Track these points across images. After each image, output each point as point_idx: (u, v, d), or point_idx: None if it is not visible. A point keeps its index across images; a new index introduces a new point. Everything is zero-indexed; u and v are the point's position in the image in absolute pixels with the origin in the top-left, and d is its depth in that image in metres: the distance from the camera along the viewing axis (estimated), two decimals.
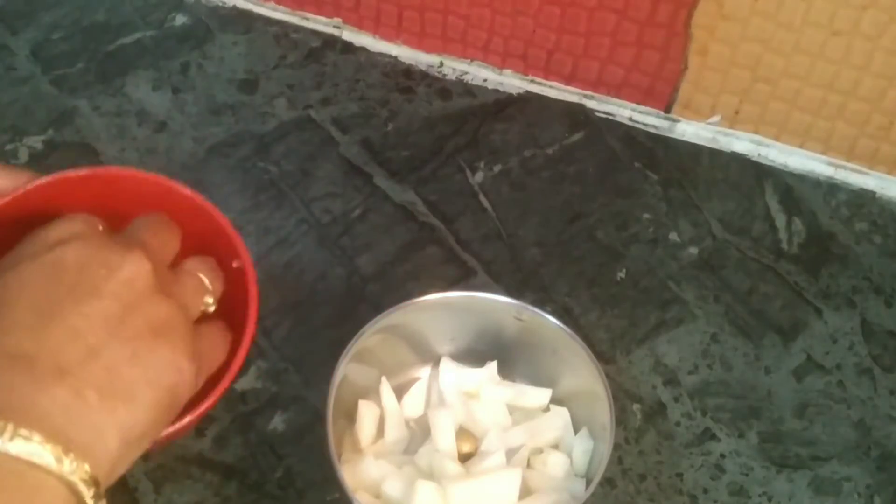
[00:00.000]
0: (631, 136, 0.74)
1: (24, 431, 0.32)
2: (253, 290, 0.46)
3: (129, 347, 0.37)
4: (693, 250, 0.68)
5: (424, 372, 0.59)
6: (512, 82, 0.77)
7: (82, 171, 0.48)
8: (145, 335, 0.38)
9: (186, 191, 0.49)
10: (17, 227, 0.46)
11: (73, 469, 0.33)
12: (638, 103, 0.75)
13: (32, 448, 0.33)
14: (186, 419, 0.42)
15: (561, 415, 0.56)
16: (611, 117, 0.75)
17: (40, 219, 0.47)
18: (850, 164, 0.72)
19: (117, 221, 0.48)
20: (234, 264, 0.48)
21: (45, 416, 0.34)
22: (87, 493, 0.34)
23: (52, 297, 0.37)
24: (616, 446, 0.57)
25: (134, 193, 0.49)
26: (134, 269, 0.39)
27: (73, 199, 0.48)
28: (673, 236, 0.69)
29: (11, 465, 0.32)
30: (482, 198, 0.70)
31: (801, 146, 0.73)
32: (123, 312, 0.38)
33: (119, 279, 0.38)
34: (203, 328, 0.42)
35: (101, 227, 0.42)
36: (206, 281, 0.44)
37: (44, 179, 0.47)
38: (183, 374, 0.39)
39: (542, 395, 0.57)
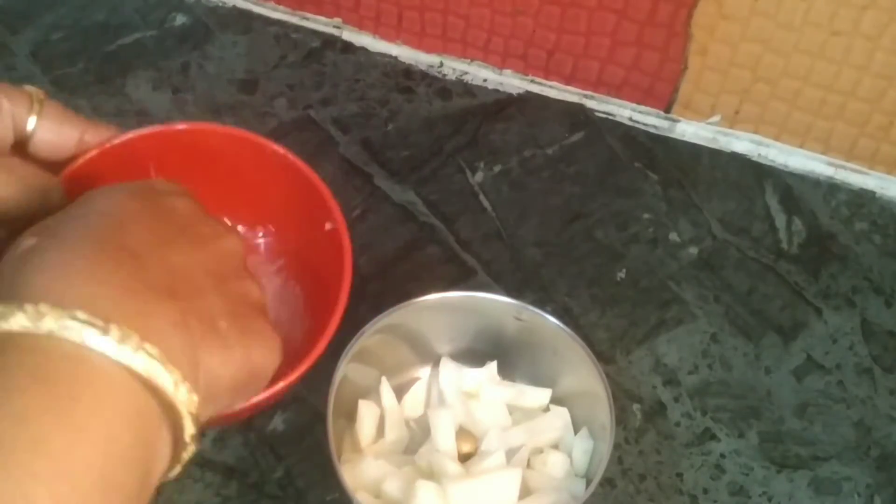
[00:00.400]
0: (631, 136, 0.74)
1: (149, 347, 0.29)
2: (347, 252, 0.45)
3: (229, 305, 0.35)
4: (693, 250, 0.68)
5: (424, 372, 0.59)
6: (512, 82, 0.77)
7: (172, 127, 0.48)
8: (244, 303, 0.36)
9: (279, 148, 0.47)
10: (103, 181, 0.46)
11: (186, 399, 0.30)
12: (638, 103, 0.75)
13: (153, 367, 0.29)
14: (281, 384, 0.40)
15: (561, 415, 0.56)
16: (611, 117, 0.75)
17: (128, 172, 0.46)
18: (850, 164, 0.72)
19: (208, 178, 0.47)
20: (327, 226, 0.46)
21: (160, 333, 0.30)
22: (190, 430, 0.31)
23: (165, 231, 0.35)
24: (616, 446, 0.57)
25: (225, 149, 0.48)
26: (235, 244, 0.38)
27: (161, 153, 0.47)
28: (673, 236, 0.69)
29: (126, 380, 0.29)
30: (482, 198, 0.70)
31: (801, 146, 0.73)
32: (225, 273, 0.36)
33: (222, 245, 0.37)
34: None
35: None
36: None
37: (131, 134, 0.47)
38: (271, 356, 0.36)
39: (542, 395, 0.57)
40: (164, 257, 0.33)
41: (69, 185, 0.43)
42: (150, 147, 0.48)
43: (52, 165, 0.44)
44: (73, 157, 0.45)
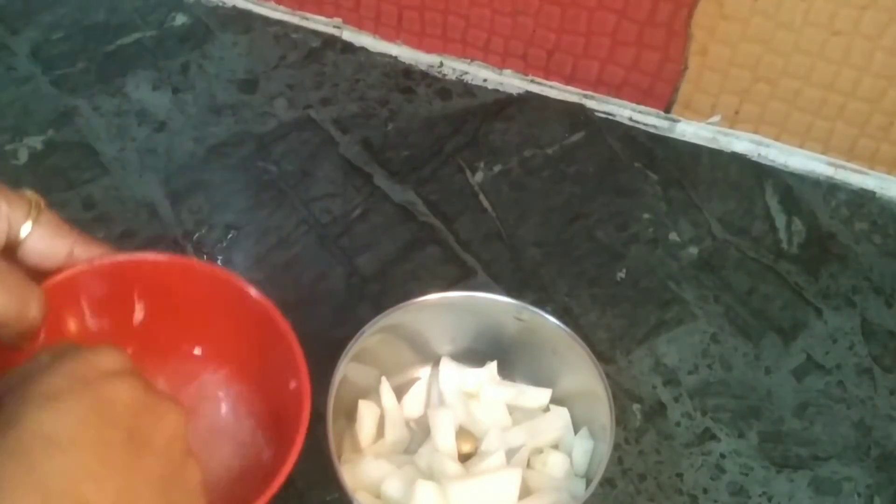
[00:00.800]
0: (631, 136, 0.74)
1: None
2: (305, 415, 0.46)
3: None
4: (693, 250, 0.68)
5: (424, 372, 0.59)
6: (512, 82, 0.77)
7: (160, 257, 0.49)
8: (193, 496, 0.36)
9: (260, 297, 0.49)
10: (85, 297, 0.47)
11: None
12: (638, 103, 0.75)
13: None
14: None
15: (561, 415, 0.56)
16: (611, 117, 0.75)
17: (112, 293, 0.47)
18: (850, 164, 0.72)
19: (187, 309, 0.49)
20: (292, 385, 0.47)
21: None
22: None
23: (111, 442, 0.34)
24: (616, 446, 0.57)
25: (209, 287, 0.49)
26: (177, 422, 0.37)
27: (147, 280, 0.49)
28: (673, 236, 0.69)
29: None
30: (482, 198, 0.70)
31: (801, 146, 0.73)
32: (175, 468, 0.36)
33: (166, 432, 0.37)
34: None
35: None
36: None
37: (120, 257, 0.48)
38: None
39: (542, 395, 0.57)
40: (113, 491, 0.33)
41: (51, 296, 0.44)
42: (137, 272, 0.49)
43: (37, 273, 0.45)
44: (59, 269, 0.46)
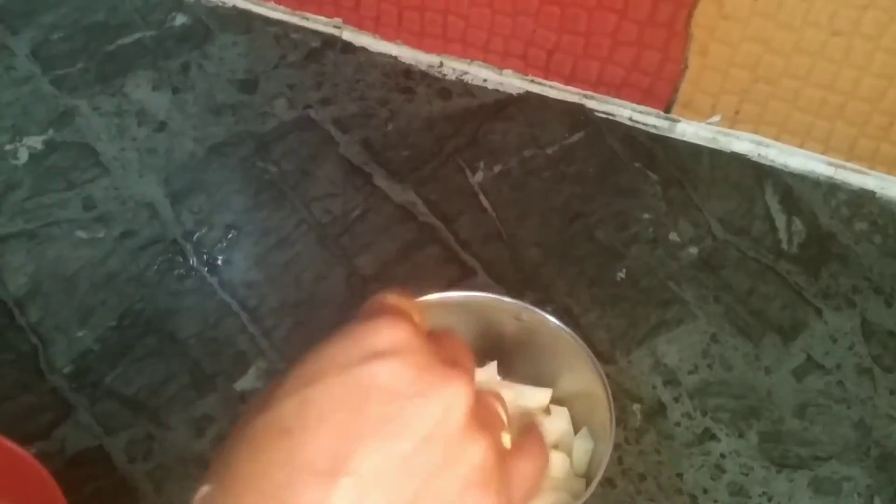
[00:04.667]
0: (631, 136, 0.74)
1: None
2: None
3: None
4: (693, 250, 0.68)
5: None
6: (512, 82, 0.77)
7: None
8: (461, 491, 0.31)
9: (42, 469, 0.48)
10: None
11: None
12: (638, 103, 0.75)
13: None
14: None
15: (561, 415, 0.56)
16: (611, 117, 0.75)
17: None
18: (850, 164, 0.72)
19: None
20: None
21: None
22: None
23: (354, 426, 0.31)
24: (616, 446, 0.57)
25: None
26: (452, 402, 0.32)
27: None
28: (673, 236, 0.69)
29: None
30: (482, 198, 0.70)
31: (801, 146, 0.73)
32: (435, 461, 0.31)
33: (433, 415, 0.32)
34: (511, 463, 0.34)
35: (422, 335, 0.35)
36: (501, 411, 0.36)
37: None
38: None
39: (542, 395, 0.57)
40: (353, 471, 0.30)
41: None
42: None
43: None
44: None
